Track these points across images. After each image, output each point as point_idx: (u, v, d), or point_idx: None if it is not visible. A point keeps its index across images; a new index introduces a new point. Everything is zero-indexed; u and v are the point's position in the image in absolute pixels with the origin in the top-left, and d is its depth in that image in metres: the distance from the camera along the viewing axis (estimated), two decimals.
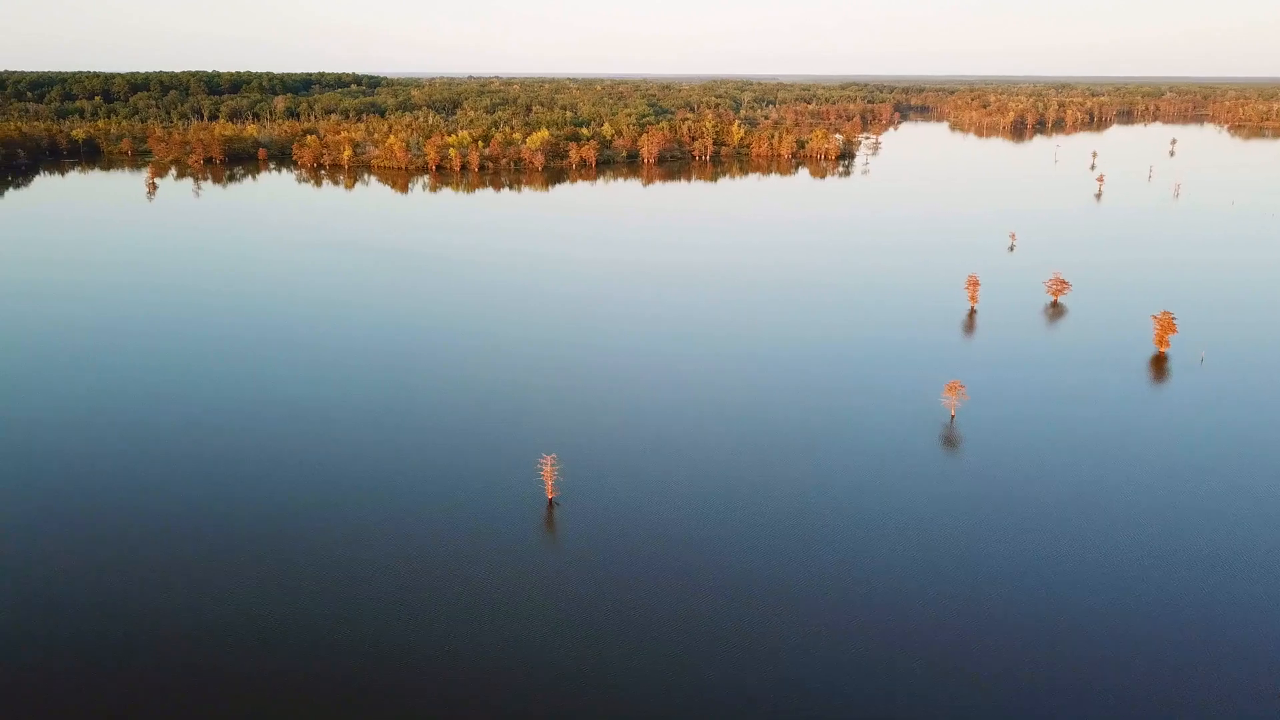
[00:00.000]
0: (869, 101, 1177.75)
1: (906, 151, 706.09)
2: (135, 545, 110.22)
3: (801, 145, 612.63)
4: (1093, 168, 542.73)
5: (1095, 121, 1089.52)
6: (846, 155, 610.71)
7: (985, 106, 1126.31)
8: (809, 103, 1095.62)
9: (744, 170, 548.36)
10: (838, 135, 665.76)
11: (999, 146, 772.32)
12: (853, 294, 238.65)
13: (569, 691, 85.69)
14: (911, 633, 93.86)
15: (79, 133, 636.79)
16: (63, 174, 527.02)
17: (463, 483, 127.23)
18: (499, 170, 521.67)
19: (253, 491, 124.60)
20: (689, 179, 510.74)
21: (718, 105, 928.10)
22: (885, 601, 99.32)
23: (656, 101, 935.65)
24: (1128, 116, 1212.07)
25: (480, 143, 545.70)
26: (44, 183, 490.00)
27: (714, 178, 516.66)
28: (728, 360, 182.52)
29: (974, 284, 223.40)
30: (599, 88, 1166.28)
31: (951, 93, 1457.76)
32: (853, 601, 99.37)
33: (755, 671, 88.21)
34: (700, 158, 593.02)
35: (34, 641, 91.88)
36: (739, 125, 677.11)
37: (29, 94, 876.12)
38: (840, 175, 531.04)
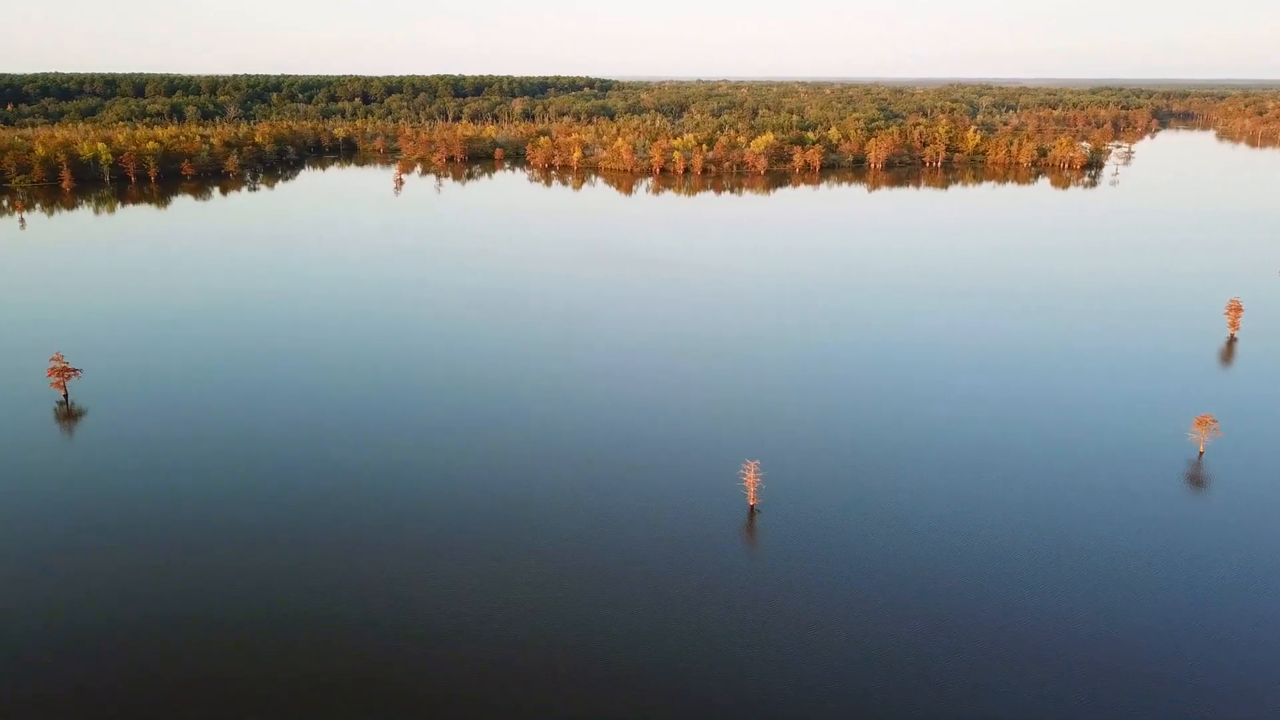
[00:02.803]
0: (1123, 107, 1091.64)
1: (1163, 161, 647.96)
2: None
3: (1043, 153, 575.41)
4: None
5: None
6: (1094, 165, 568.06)
7: (1262, 113, 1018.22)
8: (1054, 108, 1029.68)
9: (977, 178, 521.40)
10: (1084, 143, 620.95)
11: (1277, 158, 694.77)
12: (1092, 313, 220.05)
13: (768, 700, 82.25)
14: (1143, 673, 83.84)
15: (340, 131, 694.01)
16: (323, 168, 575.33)
17: (667, 486, 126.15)
18: (721, 173, 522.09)
19: (468, 495, 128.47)
20: (917, 185, 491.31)
21: (953, 110, 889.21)
22: (1105, 642, 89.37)
23: (887, 105, 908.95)
24: None
25: (704, 146, 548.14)
26: (308, 175, 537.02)
27: (944, 185, 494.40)
28: (953, 374, 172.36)
29: (1235, 309, 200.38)
30: (828, 91, 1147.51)
31: (1221, 98, 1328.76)
32: (1068, 642, 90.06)
33: (960, 701, 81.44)
34: (931, 164, 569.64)
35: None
36: (975, 131, 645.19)
37: (300, 95, 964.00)
38: (1085, 186, 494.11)
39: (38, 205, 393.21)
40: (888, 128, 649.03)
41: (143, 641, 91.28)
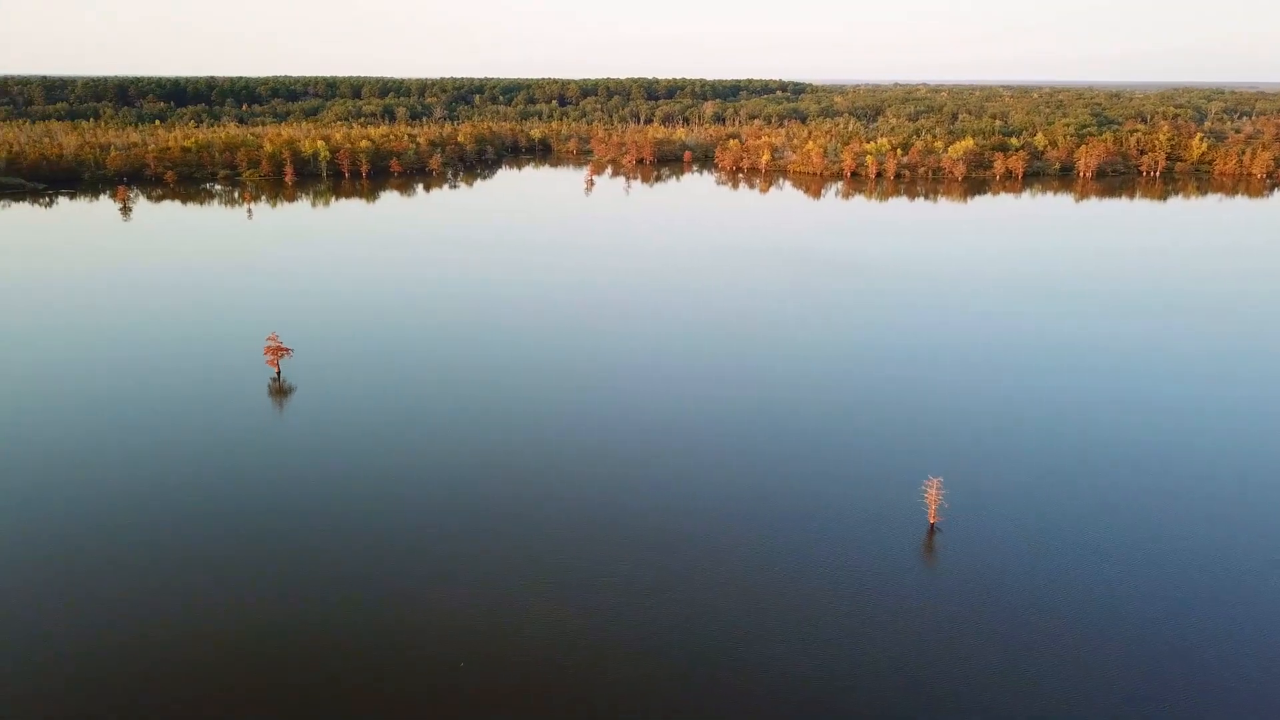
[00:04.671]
0: None
1: None
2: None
3: None
4: None
5: None
6: None
7: None
8: None
9: (1201, 189, 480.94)
10: None
11: None
12: None
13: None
14: None
15: (536, 132, 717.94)
16: (519, 168, 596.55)
17: (845, 500, 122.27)
18: (915, 179, 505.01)
19: (635, 499, 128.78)
20: (1130, 196, 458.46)
21: (1175, 116, 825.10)
22: None
23: (1101, 111, 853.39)
24: None
25: (899, 150, 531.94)
26: (504, 174, 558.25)
27: (1161, 196, 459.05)
28: (1153, 389, 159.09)
29: None
30: (1035, 95, 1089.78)
31: None
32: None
33: None
34: (1148, 173, 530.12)
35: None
36: (1201, 138, 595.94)
37: (501, 98, 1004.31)
38: None
39: (263, 197, 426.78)
40: (1100, 134, 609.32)
41: (346, 603, 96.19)
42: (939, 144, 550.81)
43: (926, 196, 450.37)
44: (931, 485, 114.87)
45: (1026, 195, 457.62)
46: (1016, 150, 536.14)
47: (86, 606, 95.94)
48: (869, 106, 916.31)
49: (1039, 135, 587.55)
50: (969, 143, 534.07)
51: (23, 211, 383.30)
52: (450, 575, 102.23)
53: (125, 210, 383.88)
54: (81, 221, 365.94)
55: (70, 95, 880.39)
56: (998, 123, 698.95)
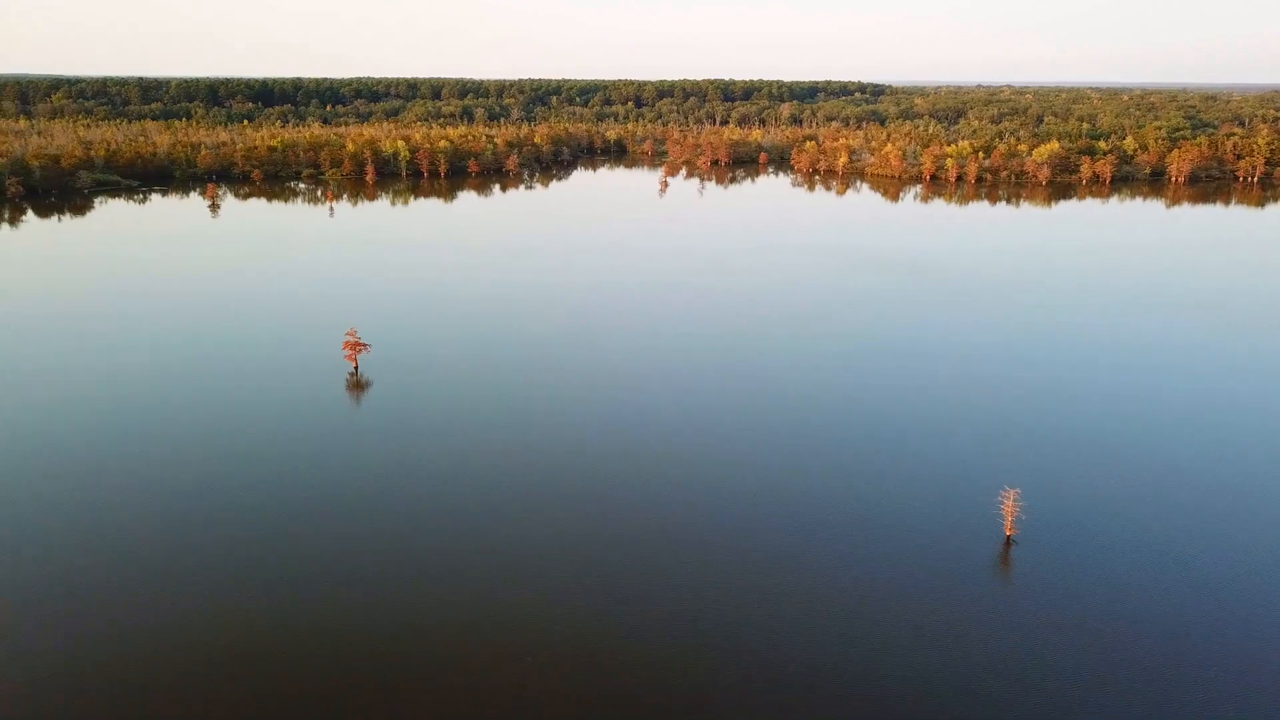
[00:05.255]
0: None
1: None
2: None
3: None
4: None
5: None
6: None
7: None
8: None
9: None
10: None
11: None
12: None
13: None
14: None
15: (611, 134, 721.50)
16: (594, 169, 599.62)
17: (919, 509, 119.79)
18: (998, 183, 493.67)
19: (712, 503, 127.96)
20: (1225, 202, 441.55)
21: (1276, 119, 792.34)
22: None
23: (1196, 114, 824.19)
24: None
25: (980, 154, 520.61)
26: (579, 175, 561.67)
27: (1259, 202, 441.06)
28: (1250, 404, 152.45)
29: None
30: (1125, 98, 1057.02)
31: None
32: None
33: None
34: (1245, 179, 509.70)
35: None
36: None
37: (577, 99, 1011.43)
38: None
39: (344, 195, 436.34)
40: (1194, 138, 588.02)
41: (418, 586, 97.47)
42: (1023, 147, 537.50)
43: (1009, 201, 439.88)
44: (1009, 496, 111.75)
45: (1114, 200, 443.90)
46: (1104, 154, 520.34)
47: (177, 599, 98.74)
48: (950, 109, 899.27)
49: (1128, 139, 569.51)
50: (1054, 146, 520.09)
51: (118, 207, 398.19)
52: (523, 573, 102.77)
53: (214, 207, 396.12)
54: (172, 218, 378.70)
55: (164, 96, 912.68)
56: (1085, 125, 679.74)
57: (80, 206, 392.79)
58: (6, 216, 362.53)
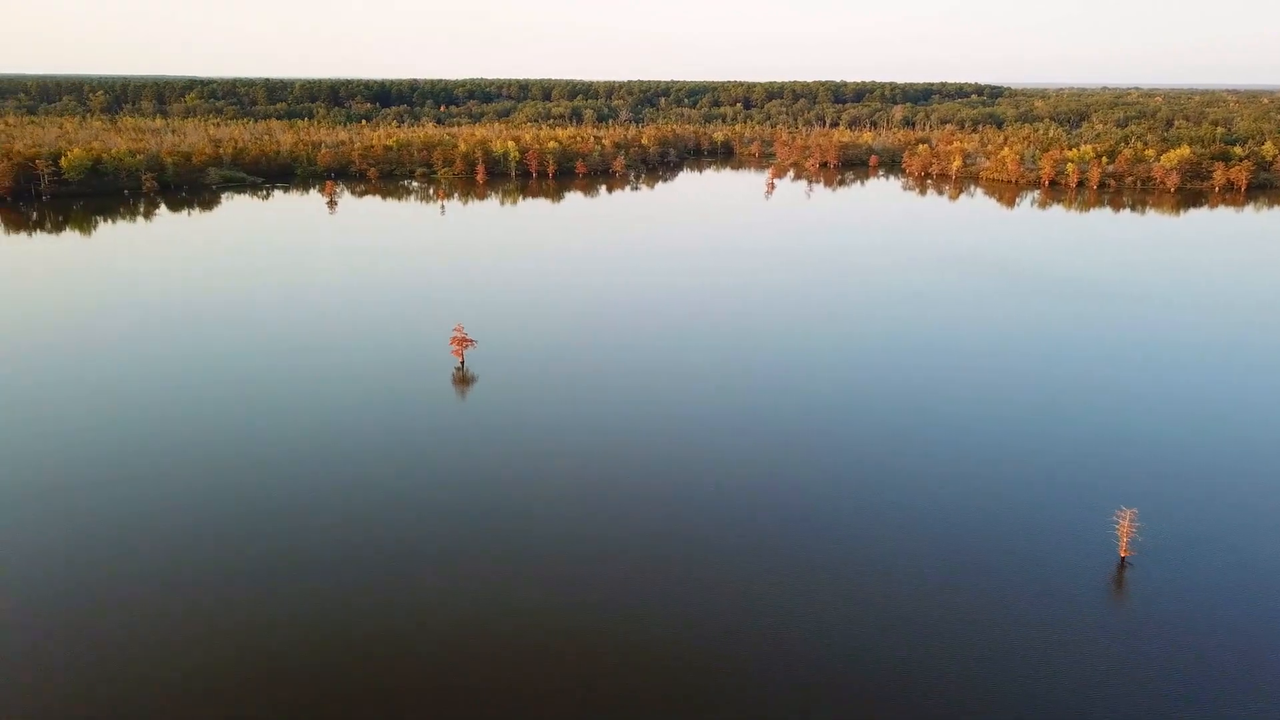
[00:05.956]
0: None
1: None
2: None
3: None
4: None
5: None
6: None
7: None
8: None
9: None
10: None
11: None
12: None
13: None
14: None
15: (719, 135, 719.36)
16: (700, 170, 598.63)
17: (1030, 527, 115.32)
18: (1122, 189, 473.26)
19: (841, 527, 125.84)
20: None
21: None
22: None
23: None
24: None
25: (1104, 158, 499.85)
26: (685, 176, 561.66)
27: None
28: None
29: None
30: (1265, 100, 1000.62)
31: None
32: None
33: None
34: None
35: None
36: None
37: (685, 100, 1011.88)
38: None
39: (455, 194, 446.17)
40: None
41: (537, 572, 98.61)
42: (1150, 152, 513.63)
43: (1133, 208, 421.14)
44: (1124, 516, 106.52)
45: (1249, 209, 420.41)
46: (1240, 160, 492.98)
47: (306, 588, 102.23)
48: (1072, 111, 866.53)
49: (1267, 144, 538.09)
50: (1184, 151, 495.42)
51: (243, 203, 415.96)
52: (626, 569, 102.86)
53: (331, 204, 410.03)
54: (292, 213, 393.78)
55: (289, 96, 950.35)
56: (1219, 130, 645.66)
57: (208, 201, 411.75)
58: (142, 210, 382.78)
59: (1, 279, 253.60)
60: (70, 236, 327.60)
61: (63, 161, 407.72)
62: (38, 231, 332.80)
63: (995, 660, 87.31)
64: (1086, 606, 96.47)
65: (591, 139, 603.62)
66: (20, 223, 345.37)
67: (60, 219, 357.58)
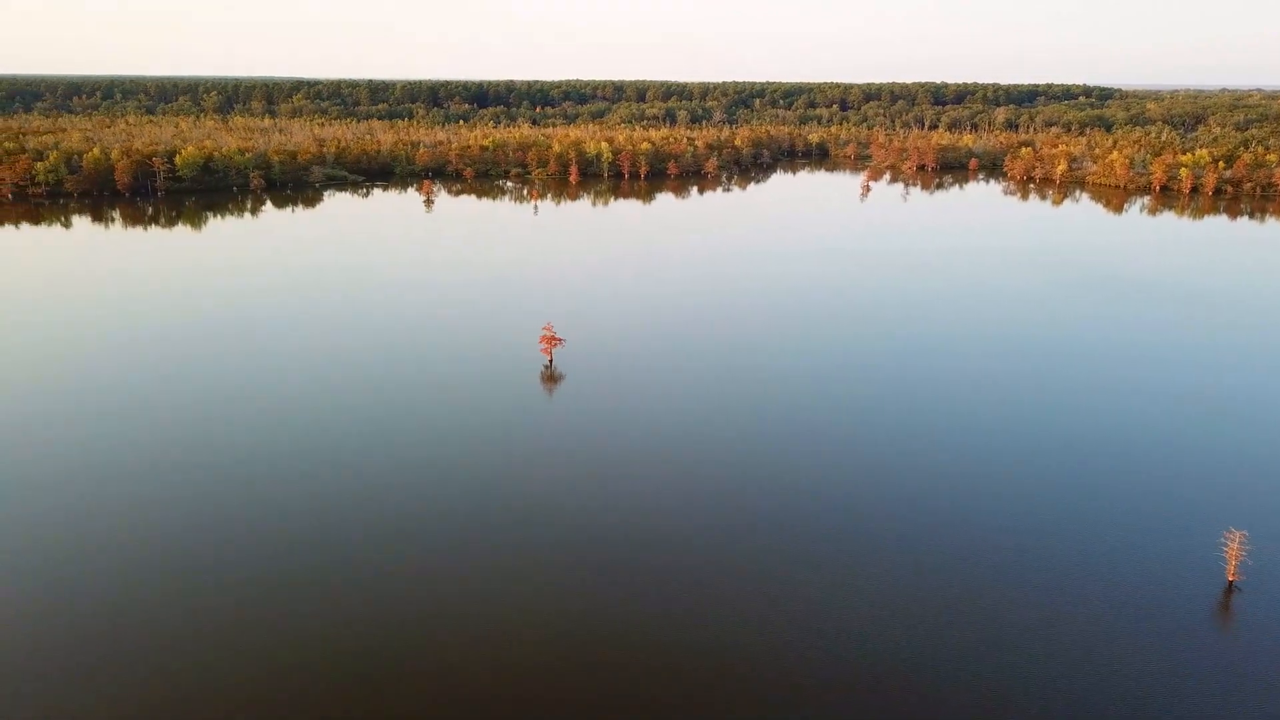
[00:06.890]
0: None
1: None
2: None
3: None
4: None
5: None
6: None
7: None
8: None
9: None
10: None
11: None
12: None
13: None
14: None
15: (814, 137, 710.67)
16: (794, 172, 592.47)
17: (1131, 547, 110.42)
18: (1240, 195, 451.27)
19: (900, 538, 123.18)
20: None
21: None
22: None
23: None
24: None
25: (1221, 163, 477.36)
26: (778, 178, 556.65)
27: None
28: None
29: None
30: None
31: None
32: None
33: None
34: None
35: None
36: None
37: (780, 102, 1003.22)
38: None
39: (549, 194, 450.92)
40: None
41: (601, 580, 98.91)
42: (1272, 157, 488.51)
43: (1251, 215, 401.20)
44: (1233, 538, 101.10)
45: None
46: None
47: (376, 581, 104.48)
48: (1188, 114, 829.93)
49: None
50: None
51: (344, 200, 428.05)
52: (717, 575, 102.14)
53: (428, 203, 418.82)
54: (391, 211, 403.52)
55: (390, 97, 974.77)
56: None
57: (311, 199, 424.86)
58: (249, 206, 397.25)
59: (120, 270, 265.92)
60: (181, 231, 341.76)
61: (177, 159, 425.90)
62: (152, 226, 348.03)
63: (1093, 688, 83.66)
64: (1192, 631, 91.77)
65: (684, 140, 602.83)
66: (138, 217, 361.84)
67: (174, 214, 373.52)
